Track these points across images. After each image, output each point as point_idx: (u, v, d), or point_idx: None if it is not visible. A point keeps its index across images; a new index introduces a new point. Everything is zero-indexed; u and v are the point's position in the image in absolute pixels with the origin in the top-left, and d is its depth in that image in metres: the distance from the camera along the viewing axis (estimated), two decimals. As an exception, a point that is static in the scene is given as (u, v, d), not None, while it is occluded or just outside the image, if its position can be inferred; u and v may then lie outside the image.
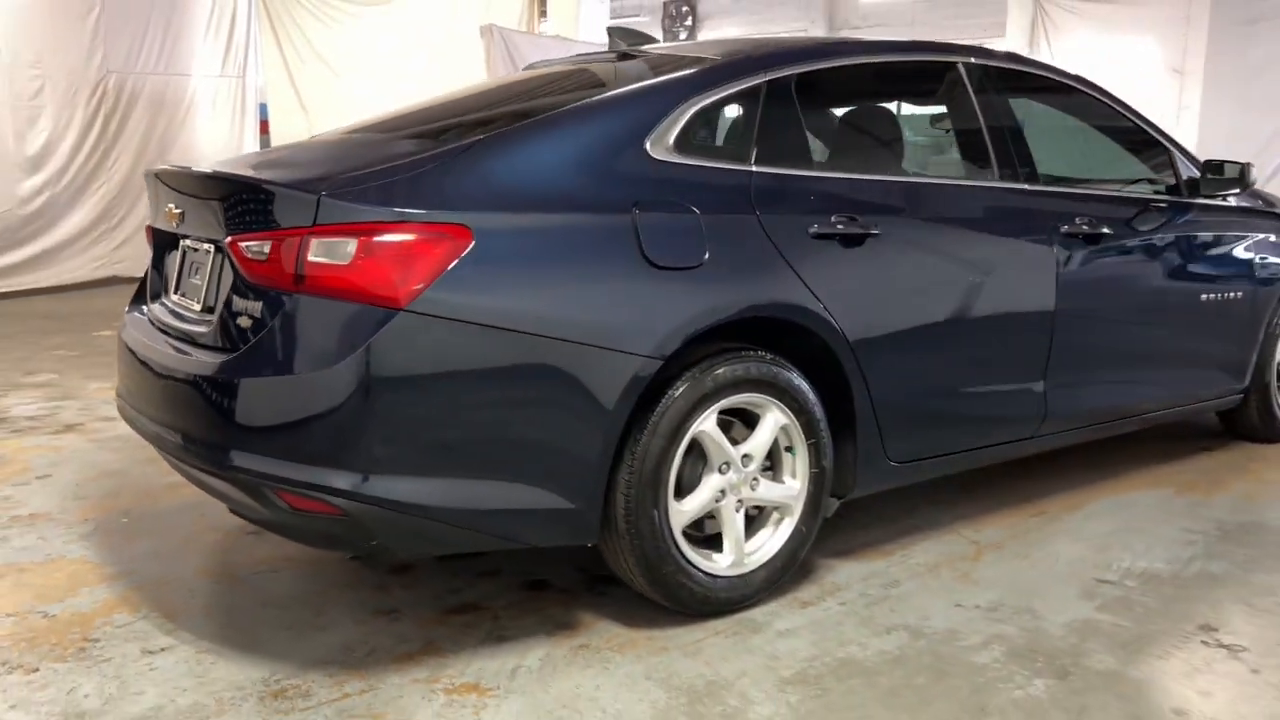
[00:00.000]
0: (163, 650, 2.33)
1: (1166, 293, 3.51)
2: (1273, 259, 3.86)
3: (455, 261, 2.08)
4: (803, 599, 2.64)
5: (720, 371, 2.41)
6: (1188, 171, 3.62)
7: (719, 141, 2.77)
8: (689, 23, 17.65)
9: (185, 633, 2.41)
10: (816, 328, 2.56)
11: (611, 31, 3.07)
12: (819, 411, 2.58)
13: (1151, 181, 3.69)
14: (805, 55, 2.80)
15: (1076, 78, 3.50)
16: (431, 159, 2.22)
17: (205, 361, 2.25)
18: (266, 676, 2.21)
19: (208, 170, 2.52)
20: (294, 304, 2.10)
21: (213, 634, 2.41)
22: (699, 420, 2.39)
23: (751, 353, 2.47)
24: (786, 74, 2.70)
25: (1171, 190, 3.61)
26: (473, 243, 2.10)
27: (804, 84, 2.75)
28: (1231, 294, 3.70)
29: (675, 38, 17.07)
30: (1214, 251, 3.69)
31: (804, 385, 2.55)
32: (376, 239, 2.06)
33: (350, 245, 2.06)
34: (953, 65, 3.14)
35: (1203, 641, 2.44)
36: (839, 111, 3.16)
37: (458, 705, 2.11)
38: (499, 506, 2.19)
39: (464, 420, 2.14)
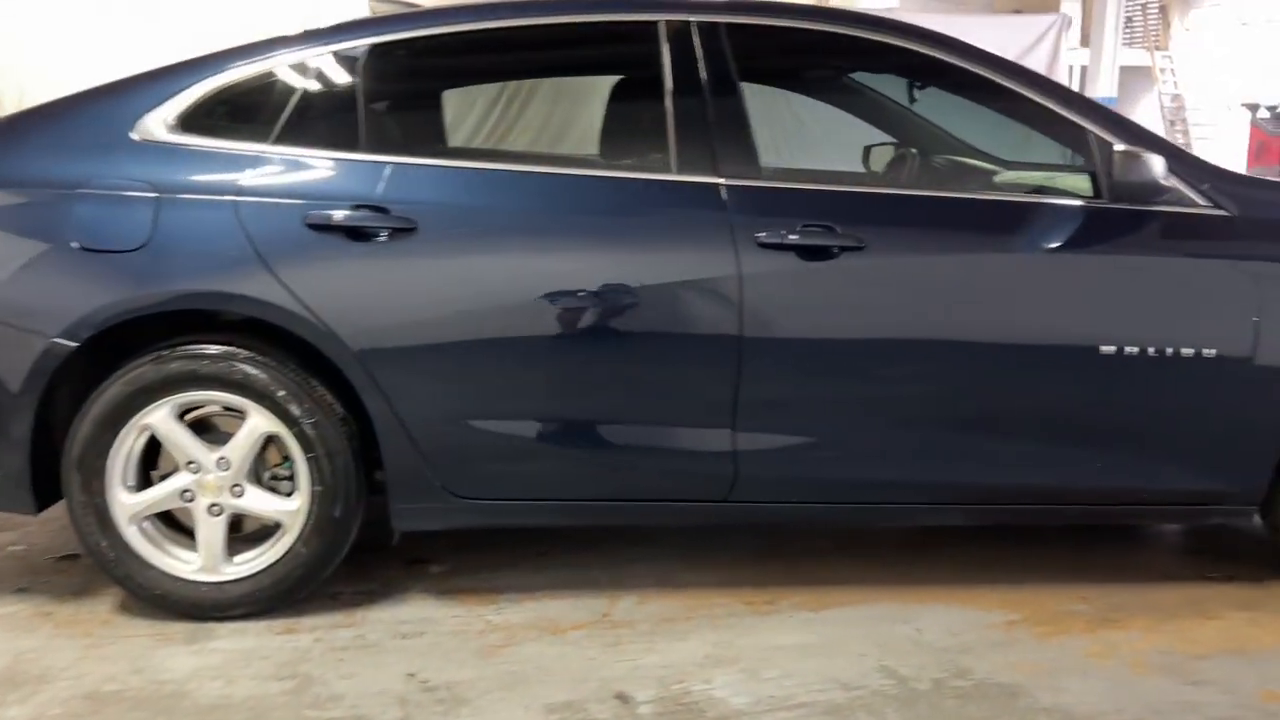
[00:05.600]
0: None
1: (1023, 333, 2.42)
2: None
3: None
4: (284, 626, 2.40)
5: (172, 366, 2.32)
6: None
7: (253, 120, 2.49)
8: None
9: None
10: (300, 331, 2.32)
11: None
12: (312, 425, 2.33)
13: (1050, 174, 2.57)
14: (379, 27, 2.49)
15: (895, 28, 2.55)
16: None
17: None
18: None
19: None
20: None
21: None
22: (146, 413, 2.33)
23: (207, 349, 2.33)
24: (343, 47, 2.45)
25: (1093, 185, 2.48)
26: None
27: (375, 57, 2.46)
28: (1200, 350, 2.41)
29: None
30: (1156, 285, 2.45)
31: (292, 393, 2.31)
32: None
33: None
34: (617, 26, 2.53)
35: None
36: (420, 87, 2.68)
37: None
38: None
39: None
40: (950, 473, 2.50)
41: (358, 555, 2.59)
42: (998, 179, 2.89)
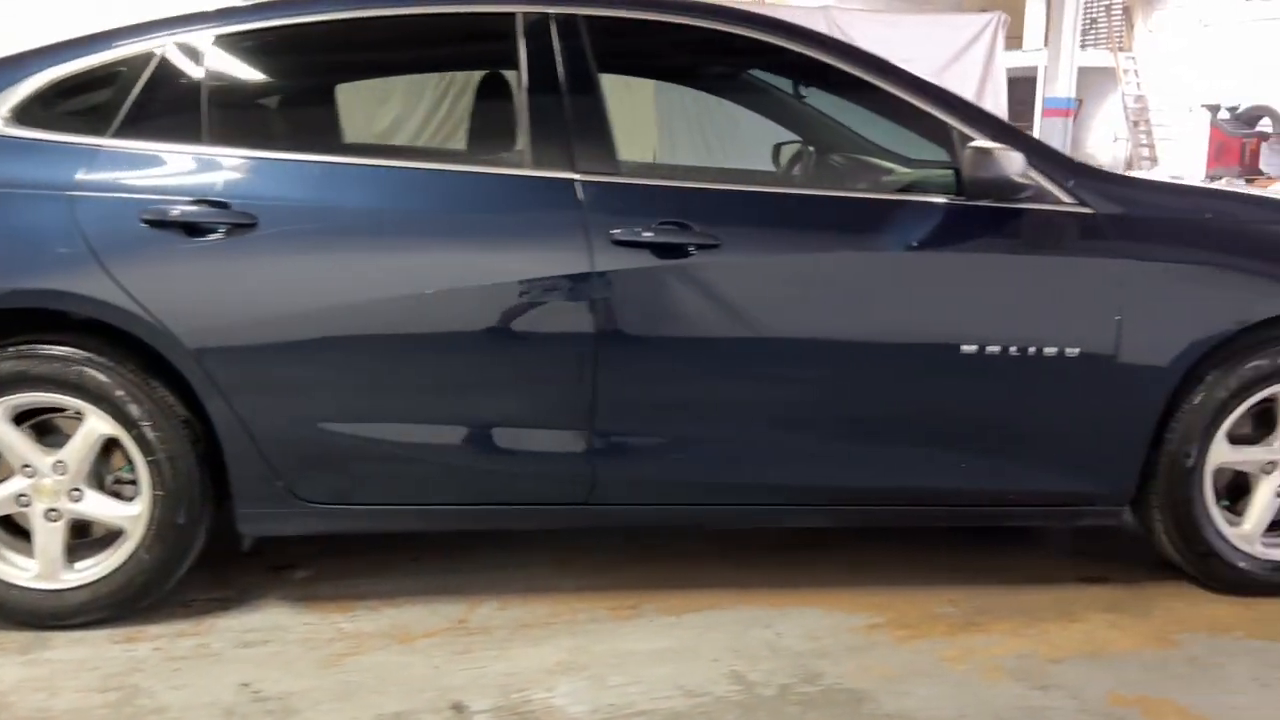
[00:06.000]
0: None
1: (882, 332, 2.38)
2: (1171, 304, 2.42)
3: None
4: (125, 635, 2.32)
5: (2, 366, 2.24)
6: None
7: (93, 113, 2.39)
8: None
9: None
10: (136, 330, 2.25)
11: None
12: (152, 427, 2.26)
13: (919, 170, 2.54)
14: (223, 18, 2.41)
15: (757, 21, 2.51)
16: None
17: None
18: None
19: None
20: None
21: None
22: (-23, 415, 2.26)
23: (41, 350, 2.25)
24: (185, 38, 2.37)
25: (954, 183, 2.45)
26: None
27: (219, 48, 2.39)
28: (1063, 350, 2.38)
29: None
30: (1017, 283, 2.42)
31: (131, 394, 2.24)
32: None
33: None
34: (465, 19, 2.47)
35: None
36: (265, 80, 2.59)
37: None
38: None
39: None
40: (812, 474, 2.46)
41: (221, 561, 2.53)
42: (889, 178, 2.86)
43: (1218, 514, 2.53)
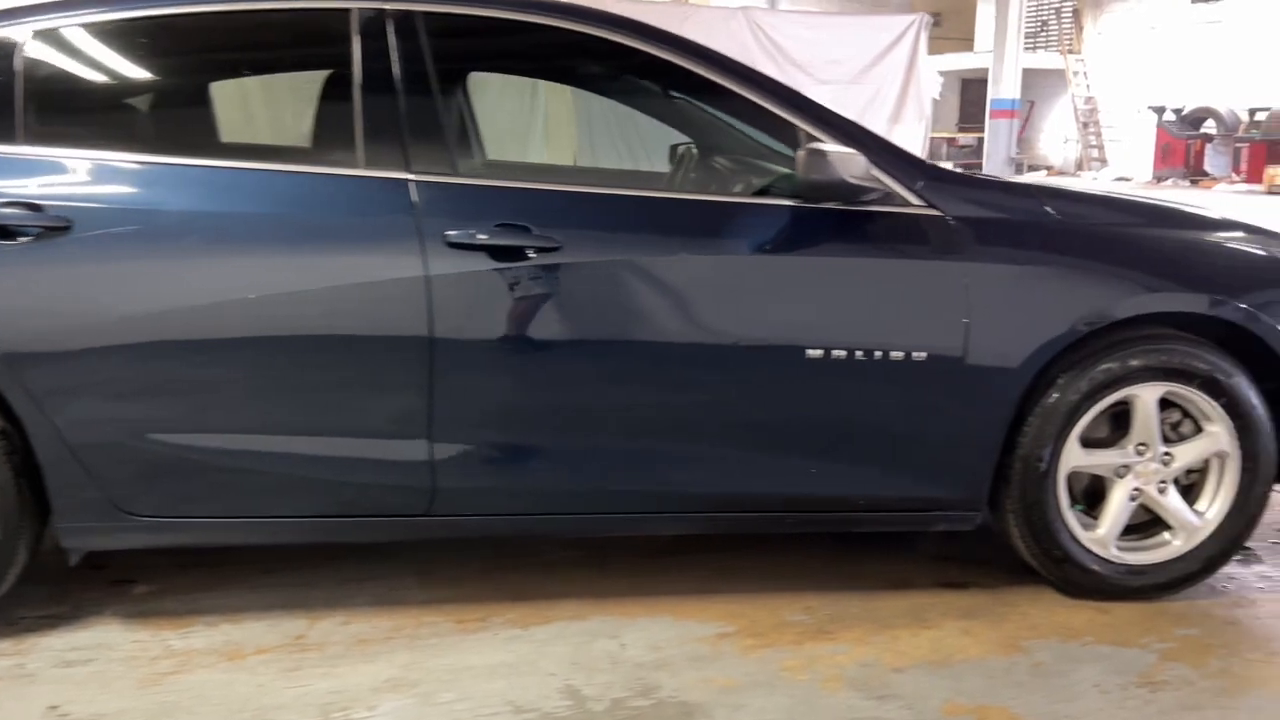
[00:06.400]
0: None
1: (726, 337, 2.33)
2: (1019, 307, 2.39)
3: None
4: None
5: None
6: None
7: None
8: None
9: None
10: None
11: None
12: (-35, 435, 2.18)
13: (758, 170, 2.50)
14: (43, 12, 2.31)
15: (605, 20, 2.44)
16: None
17: None
18: None
19: None
20: None
21: None
22: None
23: None
24: (3, 33, 2.28)
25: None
26: None
27: (38, 44, 2.29)
28: (910, 353, 2.36)
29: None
30: (862, 286, 2.39)
31: None
32: None
33: None
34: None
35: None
36: (88, 77, 2.47)
37: None
38: None
39: None
40: (659, 481, 2.41)
41: (62, 576, 2.44)
42: (760, 180, 2.82)
43: (1072, 518, 2.51)
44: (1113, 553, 2.54)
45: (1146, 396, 2.47)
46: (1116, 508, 2.52)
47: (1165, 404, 2.52)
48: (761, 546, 2.86)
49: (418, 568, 2.72)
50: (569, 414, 2.37)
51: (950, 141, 25.00)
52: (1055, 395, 2.43)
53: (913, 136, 9.55)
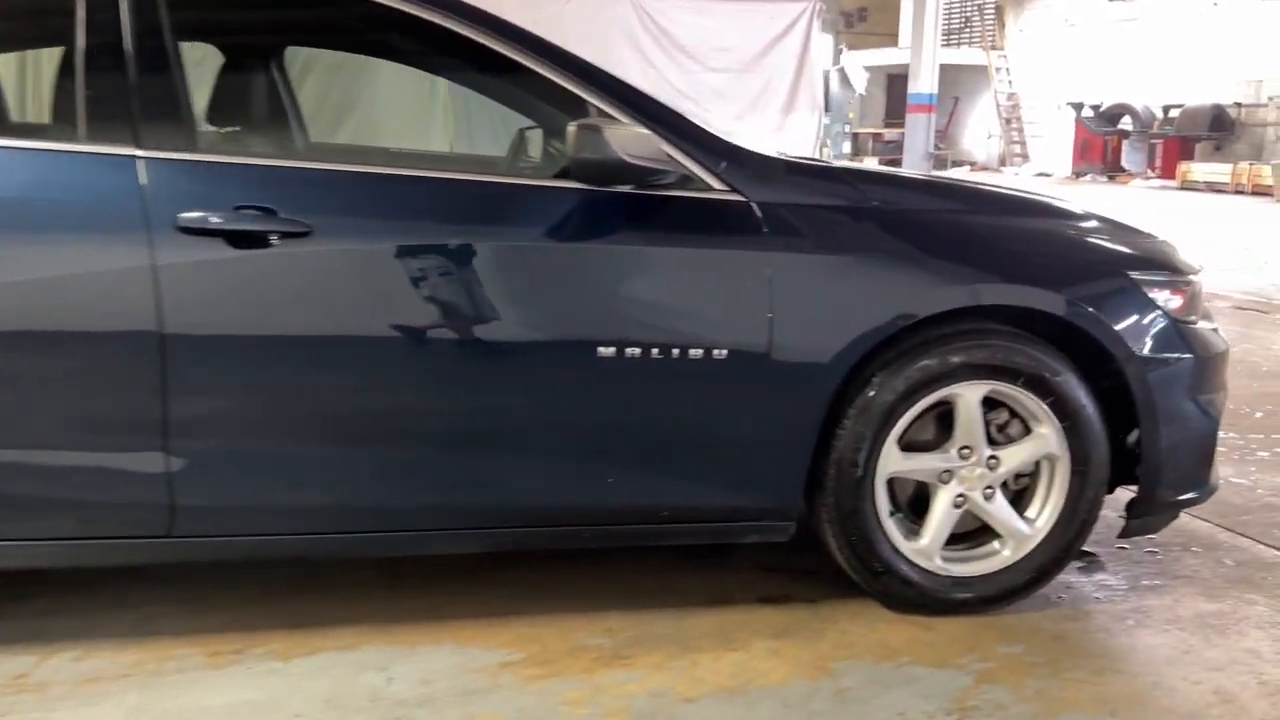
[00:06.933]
0: None
1: (502, 333, 2.10)
2: (829, 300, 2.20)
3: None
4: None
5: None
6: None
7: None
8: None
9: None
10: None
11: None
12: None
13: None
14: None
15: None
16: None
17: None
18: None
19: None
20: None
21: None
22: None
23: None
24: None
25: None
26: None
27: None
28: (711, 352, 2.14)
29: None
30: (658, 277, 2.16)
31: None
32: None
33: None
34: None
35: None
36: None
37: None
38: None
39: None
40: (433, 494, 2.17)
41: None
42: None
43: (893, 527, 2.33)
44: (937, 564, 2.36)
45: (969, 396, 2.29)
46: (940, 516, 2.34)
47: (993, 404, 2.37)
48: (576, 560, 2.63)
49: (182, 594, 2.43)
50: (326, 421, 2.11)
51: (876, 137, 25.15)
52: (870, 395, 2.24)
53: (807, 127, 9.40)
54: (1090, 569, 2.69)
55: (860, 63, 24.83)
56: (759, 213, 2.20)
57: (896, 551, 2.33)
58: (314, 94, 7.10)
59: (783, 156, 2.46)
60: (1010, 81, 24.77)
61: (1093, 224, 2.55)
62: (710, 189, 2.20)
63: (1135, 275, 2.38)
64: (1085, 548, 2.76)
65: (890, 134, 24.39)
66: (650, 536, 2.34)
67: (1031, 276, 2.30)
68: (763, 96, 9.02)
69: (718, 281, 2.18)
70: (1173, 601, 2.51)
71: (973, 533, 2.43)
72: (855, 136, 24.59)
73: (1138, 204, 15.76)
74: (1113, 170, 21.42)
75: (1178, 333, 2.41)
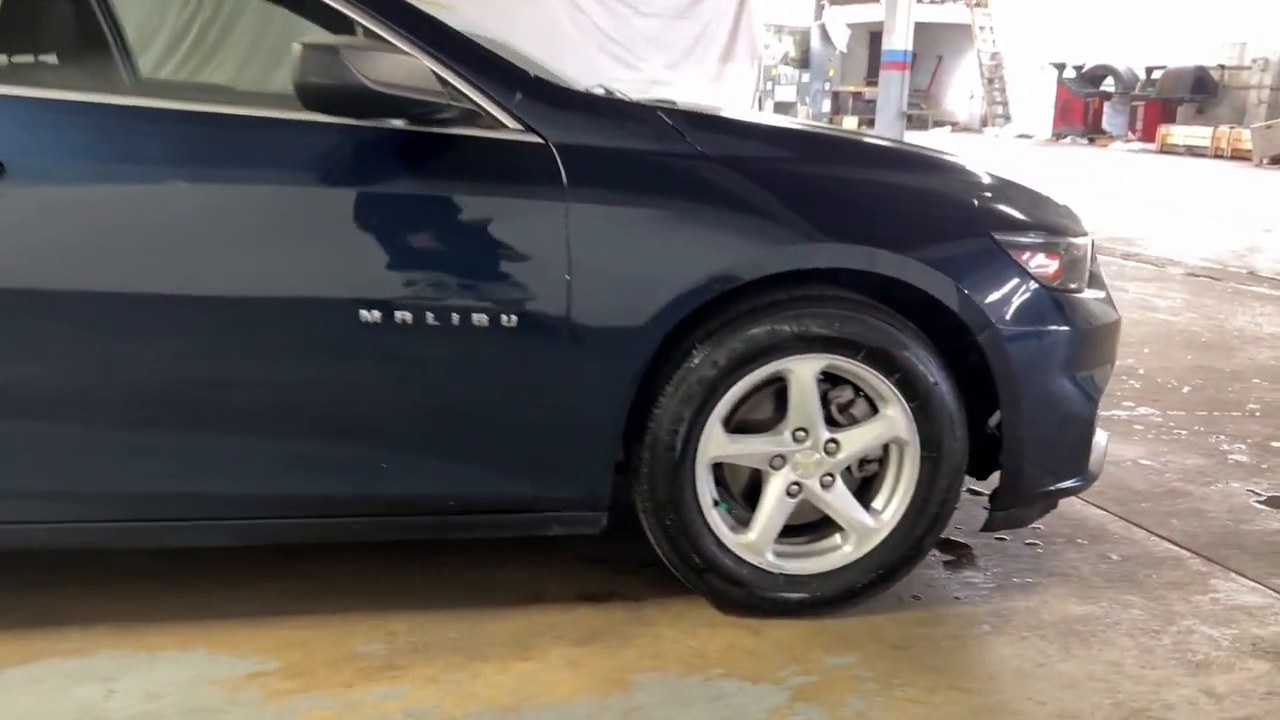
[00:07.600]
0: None
1: (241, 290, 1.79)
2: (637, 260, 1.89)
3: None
4: None
5: None
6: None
7: None
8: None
9: None
10: None
11: None
12: None
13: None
14: None
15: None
16: None
17: None
18: None
19: None
20: None
21: None
22: None
23: None
24: None
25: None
26: None
27: None
28: (497, 318, 1.84)
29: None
30: (432, 230, 1.84)
31: None
32: None
33: None
34: None
35: None
36: None
37: None
38: None
39: None
40: (172, 479, 1.86)
41: None
42: None
43: (717, 518, 2.04)
44: (769, 560, 2.08)
45: (801, 371, 2.00)
46: (770, 506, 2.05)
47: (836, 381, 2.08)
48: (390, 552, 2.34)
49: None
50: (38, 394, 1.81)
51: (856, 95, 24.67)
52: (689, 369, 1.96)
53: (746, 77, 8.97)
54: (959, 564, 2.42)
55: (843, 19, 24.29)
56: (558, 157, 1.88)
57: (721, 546, 2.05)
58: (247, 37, 6.79)
59: (596, 91, 2.15)
60: (994, 40, 24.27)
61: (964, 180, 2.25)
62: (502, 127, 1.88)
63: (1000, 237, 2.08)
64: (958, 539, 2.52)
65: (870, 93, 23.88)
66: (436, 529, 2.04)
67: (872, 236, 1.99)
68: (699, 44, 8.59)
69: (506, 236, 1.87)
70: (1040, 603, 2.24)
71: (814, 525, 2.16)
72: (835, 95, 24.10)
73: (1112, 168, 15.43)
74: (1093, 132, 21.04)
75: (1052, 302, 2.12)
